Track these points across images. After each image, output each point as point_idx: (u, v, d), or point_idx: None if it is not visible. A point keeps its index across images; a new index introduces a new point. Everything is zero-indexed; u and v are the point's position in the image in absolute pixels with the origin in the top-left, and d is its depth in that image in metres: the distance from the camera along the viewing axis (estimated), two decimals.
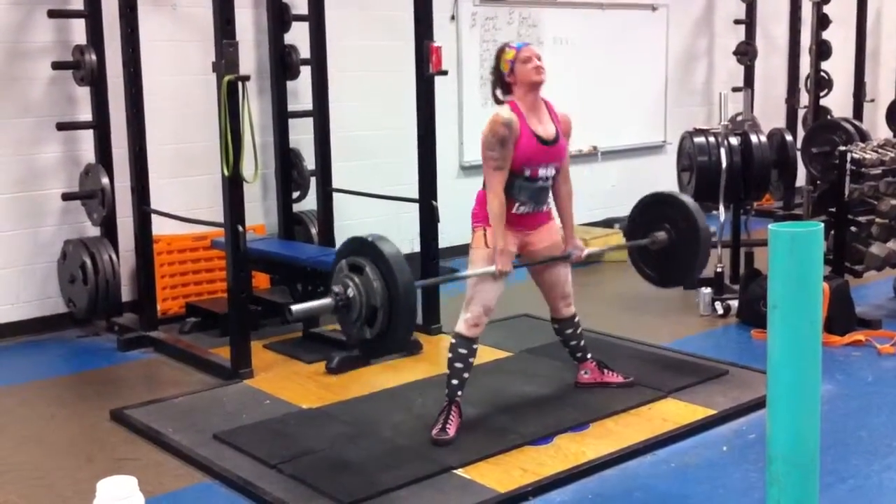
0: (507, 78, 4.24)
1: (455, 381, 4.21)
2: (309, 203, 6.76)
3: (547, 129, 4.27)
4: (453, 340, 4.22)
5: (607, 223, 8.46)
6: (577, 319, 4.62)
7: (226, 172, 4.87)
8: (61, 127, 5.90)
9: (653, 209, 4.95)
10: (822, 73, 9.30)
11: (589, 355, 4.72)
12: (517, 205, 4.24)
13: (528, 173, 4.19)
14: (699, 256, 4.79)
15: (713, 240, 6.40)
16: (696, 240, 4.76)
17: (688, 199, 4.87)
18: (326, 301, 3.77)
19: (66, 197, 5.93)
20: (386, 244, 3.74)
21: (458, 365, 4.20)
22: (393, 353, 3.68)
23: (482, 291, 4.19)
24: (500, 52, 4.27)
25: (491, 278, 4.17)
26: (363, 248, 3.77)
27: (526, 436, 4.16)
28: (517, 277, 4.31)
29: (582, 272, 4.81)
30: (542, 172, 4.24)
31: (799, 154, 7.29)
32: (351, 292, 3.71)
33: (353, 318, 3.76)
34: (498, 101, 4.30)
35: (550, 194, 4.39)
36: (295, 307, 3.74)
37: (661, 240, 4.84)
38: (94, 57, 5.79)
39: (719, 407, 4.49)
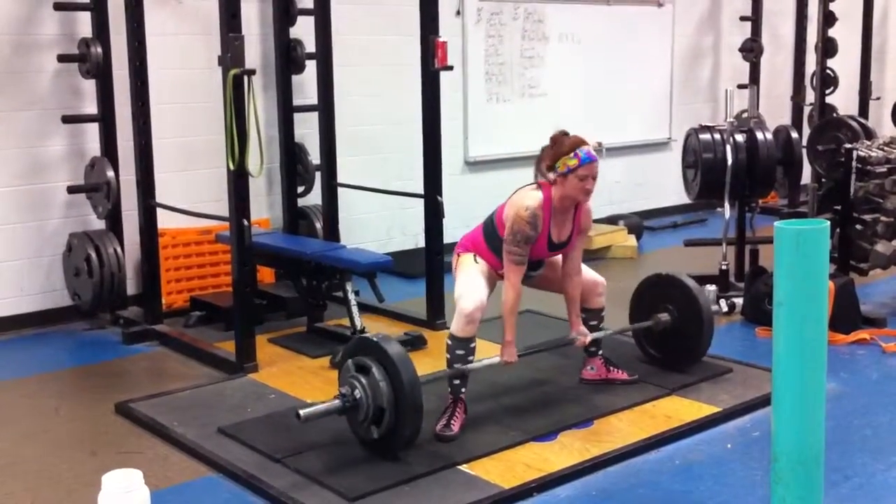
0: (556, 174, 4.16)
1: (457, 381, 4.22)
2: (314, 197, 6.76)
3: (562, 234, 4.30)
4: (448, 342, 4.23)
5: (612, 220, 8.45)
6: (603, 314, 4.67)
7: (231, 166, 4.87)
8: (67, 120, 5.90)
9: (654, 290, 4.98)
10: (828, 71, 9.29)
11: (600, 352, 4.73)
12: None
13: (532, 262, 4.32)
14: (703, 334, 4.83)
15: (721, 242, 6.43)
16: (699, 320, 4.80)
17: (689, 281, 4.89)
18: (335, 403, 3.85)
19: (72, 190, 5.94)
20: (391, 344, 3.85)
21: (458, 365, 4.20)
22: (401, 451, 3.81)
23: (471, 288, 4.20)
24: (567, 149, 4.14)
25: (478, 270, 4.25)
26: (369, 348, 3.88)
27: (530, 432, 4.17)
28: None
29: None
30: (543, 261, 4.42)
31: (804, 151, 7.28)
32: (358, 394, 3.81)
33: (360, 419, 3.85)
34: (542, 174, 4.22)
35: None
36: (303, 411, 3.79)
37: (663, 321, 4.86)
38: (99, 50, 5.79)
39: (724, 404, 4.49)
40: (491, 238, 4.29)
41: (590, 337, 4.56)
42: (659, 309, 4.90)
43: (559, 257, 4.48)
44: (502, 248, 4.20)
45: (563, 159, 4.13)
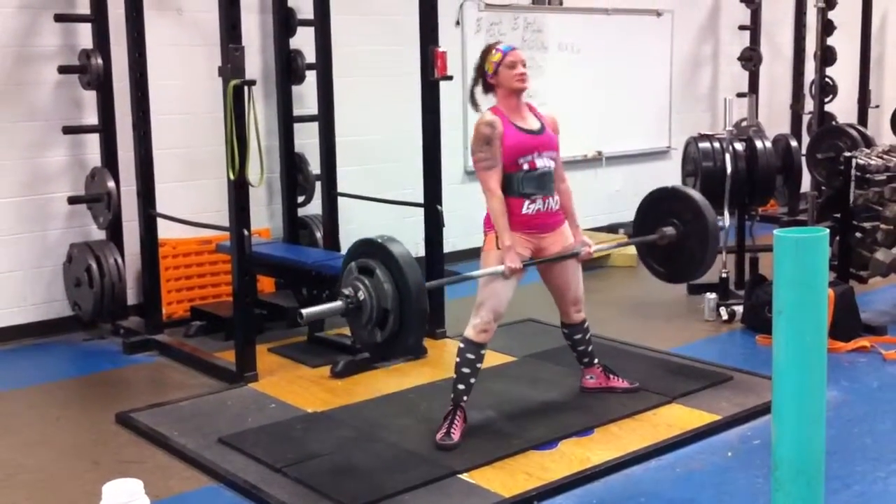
0: (489, 79, 4.27)
1: (461, 386, 4.21)
2: (314, 207, 6.77)
3: (530, 123, 4.30)
4: (461, 345, 4.22)
5: (611, 228, 8.46)
6: (586, 325, 4.62)
7: (231, 176, 4.88)
8: (67, 131, 5.91)
9: (660, 204, 4.94)
10: (827, 79, 9.31)
11: (596, 360, 4.73)
12: (526, 203, 4.21)
13: (526, 166, 4.21)
14: (708, 249, 4.77)
15: (721, 250, 6.43)
16: (705, 232, 4.75)
17: (694, 193, 4.86)
18: (337, 304, 3.77)
19: (73, 200, 5.94)
20: (396, 245, 3.74)
21: (466, 370, 4.20)
22: (404, 355, 3.69)
23: (492, 296, 4.19)
24: (486, 53, 4.29)
25: (502, 281, 4.16)
26: (373, 249, 3.77)
27: (531, 440, 4.17)
28: (525, 280, 4.31)
29: (588, 277, 4.80)
30: (539, 163, 4.25)
31: (804, 160, 7.30)
32: (361, 295, 3.71)
33: (363, 321, 3.75)
34: (474, 102, 4.37)
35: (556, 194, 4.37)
36: (305, 311, 3.74)
37: (669, 235, 4.82)
38: (100, 61, 5.81)
39: (724, 412, 4.49)
40: (502, 185, 4.21)
41: (595, 247, 4.51)
42: (664, 223, 4.85)
43: (567, 280, 4.43)
44: (511, 183, 4.17)
45: (487, 65, 4.24)
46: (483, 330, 4.17)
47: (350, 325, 3.86)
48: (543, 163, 4.25)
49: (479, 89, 4.35)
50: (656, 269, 4.98)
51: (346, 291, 3.75)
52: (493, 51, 4.26)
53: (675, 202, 4.87)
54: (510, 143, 4.18)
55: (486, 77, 4.28)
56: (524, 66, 4.26)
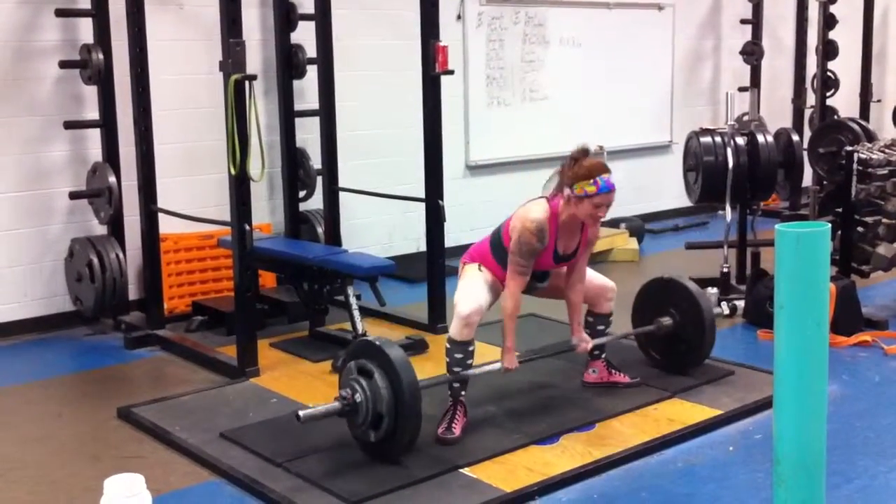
0: (570, 195, 4.09)
1: (457, 384, 4.23)
2: (315, 202, 6.77)
3: (568, 247, 4.29)
4: (447, 345, 4.23)
5: (613, 223, 8.45)
6: (610, 319, 4.67)
7: (232, 171, 4.88)
8: (68, 126, 5.91)
9: (656, 295, 4.98)
10: (829, 73, 9.30)
11: (603, 355, 4.74)
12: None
13: (537, 273, 4.32)
14: (705, 340, 4.83)
15: (723, 245, 6.42)
16: (701, 324, 4.80)
17: (690, 283, 4.89)
18: (333, 405, 3.86)
19: (74, 196, 5.94)
20: (393, 350, 3.85)
21: (457, 368, 4.21)
22: (396, 456, 3.82)
23: (470, 293, 4.21)
24: (585, 172, 4.06)
25: (478, 277, 4.25)
26: (370, 351, 3.87)
27: (532, 435, 4.17)
28: None
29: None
30: (549, 272, 4.42)
31: (805, 154, 7.28)
32: (358, 397, 3.81)
33: (359, 422, 3.86)
34: (560, 186, 4.17)
35: None
36: (303, 412, 3.81)
37: (666, 325, 4.86)
38: (101, 56, 5.80)
39: (725, 407, 4.49)
40: (497, 250, 4.27)
41: (590, 343, 4.55)
42: (661, 313, 4.90)
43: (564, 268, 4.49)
44: (508, 260, 4.19)
45: (582, 183, 4.05)
46: (464, 325, 4.16)
47: (347, 424, 3.97)
48: (551, 273, 4.44)
49: (557, 182, 4.19)
50: (655, 358, 5.02)
51: (343, 393, 3.86)
52: (592, 181, 4.05)
53: (672, 292, 4.91)
54: (539, 260, 4.22)
55: (570, 188, 4.08)
56: (608, 208, 4.14)
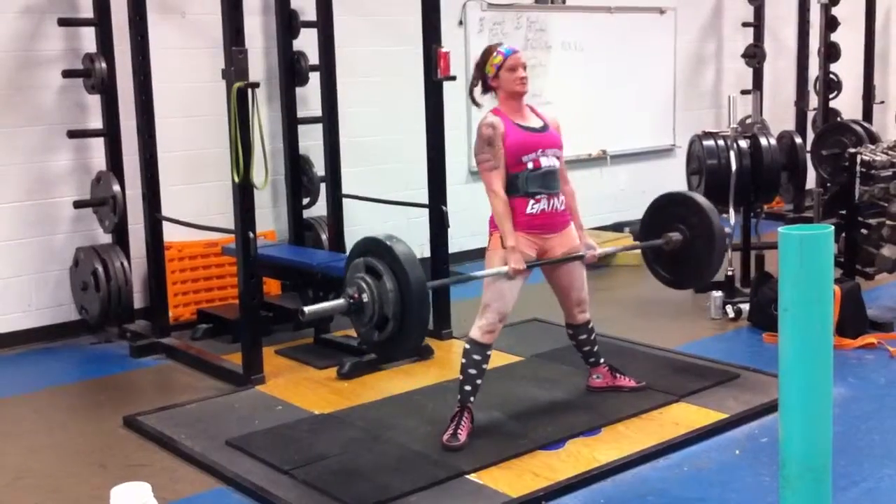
0: (490, 81, 4.28)
1: (468, 387, 4.21)
2: (319, 209, 6.77)
3: (532, 122, 4.30)
4: (467, 346, 4.22)
5: (617, 227, 8.45)
6: (591, 325, 4.61)
7: (236, 179, 4.89)
8: (72, 135, 5.92)
9: (666, 210, 4.92)
10: (832, 76, 9.29)
11: (602, 360, 4.72)
12: (531, 202, 4.20)
13: (530, 164, 4.20)
14: (714, 255, 4.76)
15: (728, 247, 6.42)
16: (711, 238, 4.73)
17: (701, 199, 4.84)
18: (339, 302, 3.79)
19: (78, 204, 5.96)
20: (401, 246, 3.75)
21: (472, 371, 4.20)
22: (401, 358, 3.73)
23: (498, 297, 4.19)
24: (487, 54, 4.28)
25: (506, 281, 4.16)
26: (379, 249, 3.78)
27: (538, 440, 4.17)
28: (531, 280, 4.31)
29: (594, 276, 4.81)
30: (544, 161, 4.23)
31: (809, 156, 7.28)
32: (365, 297, 3.73)
33: (364, 321, 3.79)
34: (474, 101, 4.36)
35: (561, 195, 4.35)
36: (308, 308, 3.77)
37: (675, 240, 4.80)
38: (104, 65, 5.82)
39: (731, 411, 4.48)
40: (507, 184, 4.20)
41: (599, 251, 4.49)
42: (670, 228, 4.82)
43: (571, 281, 4.42)
44: (516, 182, 4.16)
45: (488, 67, 4.23)
46: (489, 331, 4.18)
47: (352, 321, 3.91)
48: (548, 161, 4.24)
49: (478, 89, 4.35)
50: (662, 275, 4.96)
51: (350, 291, 3.77)
52: (495, 53, 4.25)
53: (681, 207, 4.85)
54: (512, 141, 4.17)
55: (486, 79, 4.28)
56: (525, 69, 4.26)
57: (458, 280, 4.16)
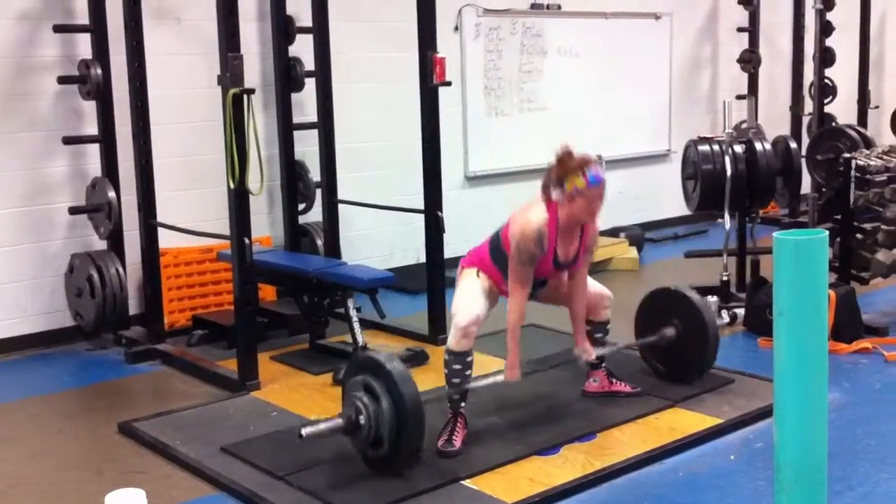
0: (563, 195, 4.06)
1: (455, 396, 4.21)
2: (315, 214, 6.77)
3: (568, 252, 4.26)
4: (446, 356, 4.22)
5: (612, 232, 8.45)
6: (609, 326, 4.66)
7: (232, 185, 4.89)
8: (68, 141, 5.92)
9: (660, 304, 4.98)
10: (826, 81, 9.32)
11: (603, 364, 4.73)
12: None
13: (537, 280, 4.28)
14: (708, 350, 4.83)
15: (722, 253, 6.43)
16: (705, 334, 4.80)
17: (694, 295, 4.90)
18: (336, 422, 3.86)
19: (73, 211, 5.95)
20: (399, 372, 3.81)
21: (455, 380, 4.20)
22: (397, 471, 3.85)
23: (468, 304, 4.19)
24: (575, 168, 4.03)
25: (475, 286, 4.23)
26: (377, 370, 3.84)
27: (533, 446, 4.17)
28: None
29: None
30: (549, 278, 4.39)
31: (804, 161, 7.30)
32: (362, 419, 3.80)
33: (360, 439, 3.87)
34: (547, 196, 4.11)
35: None
36: (305, 430, 3.80)
37: (669, 336, 4.86)
38: (99, 71, 5.82)
39: (726, 416, 4.48)
40: (497, 255, 4.24)
41: (594, 354, 4.54)
42: (664, 323, 4.90)
43: (557, 288, 4.49)
44: (507, 265, 4.18)
45: (571, 179, 4.02)
46: (462, 336, 4.15)
47: (349, 438, 3.98)
48: (553, 277, 4.40)
49: (552, 192, 4.12)
50: (657, 368, 5.02)
51: (348, 411, 3.85)
52: (581, 174, 4.01)
53: (675, 302, 4.91)
54: (539, 269, 4.19)
55: (561, 189, 4.05)
56: (602, 200, 4.10)
57: (447, 395, 4.24)
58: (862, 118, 9.90)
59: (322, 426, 3.86)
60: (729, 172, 6.16)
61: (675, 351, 4.88)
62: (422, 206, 5.76)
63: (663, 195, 9.22)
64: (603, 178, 4.07)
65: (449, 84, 5.63)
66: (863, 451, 4.12)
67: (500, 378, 4.28)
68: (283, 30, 6.48)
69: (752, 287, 6.06)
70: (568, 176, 4.03)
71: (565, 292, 4.48)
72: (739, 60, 9.84)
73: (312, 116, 6.60)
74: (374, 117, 7.29)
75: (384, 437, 3.78)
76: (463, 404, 4.22)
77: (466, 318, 4.14)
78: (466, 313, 4.16)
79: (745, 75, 9.85)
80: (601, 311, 4.61)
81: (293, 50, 6.56)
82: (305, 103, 6.76)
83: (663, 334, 4.87)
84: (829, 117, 9.36)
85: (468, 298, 4.22)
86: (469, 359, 4.20)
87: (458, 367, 4.18)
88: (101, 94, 5.86)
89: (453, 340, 4.17)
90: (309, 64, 6.52)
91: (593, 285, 4.59)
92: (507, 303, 4.20)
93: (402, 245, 7.56)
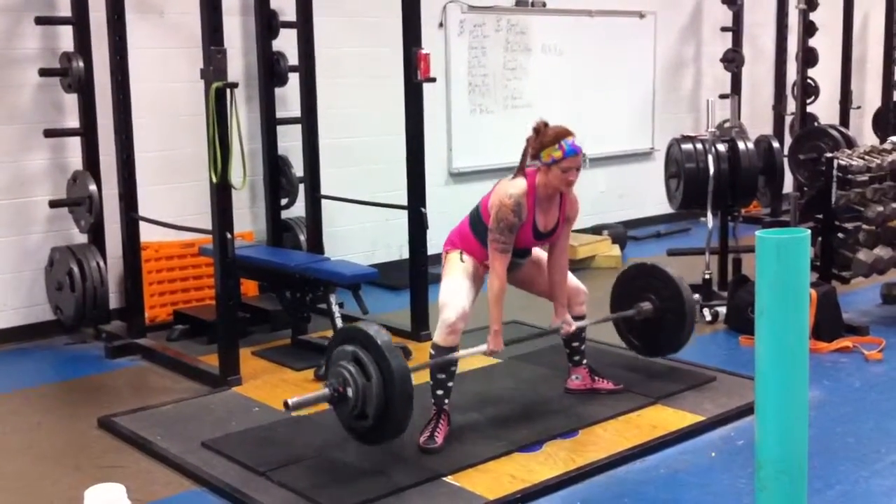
0: (540, 164, 4.17)
1: (440, 392, 4.21)
2: (297, 210, 6.76)
3: (548, 222, 4.29)
4: (431, 351, 4.22)
5: (595, 230, 8.47)
6: (584, 320, 4.65)
7: (214, 179, 4.87)
8: (48, 134, 5.88)
9: (637, 280, 5.00)
10: (809, 80, 9.35)
11: (584, 361, 4.74)
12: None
13: (518, 250, 4.29)
14: (685, 325, 4.85)
15: (704, 251, 6.45)
16: (682, 309, 4.82)
17: (671, 270, 4.91)
18: (323, 394, 3.85)
19: (54, 204, 5.91)
20: (392, 354, 3.77)
21: (441, 375, 4.19)
22: (375, 445, 3.90)
23: (454, 296, 4.19)
24: (550, 139, 4.14)
25: (462, 277, 4.23)
26: (367, 343, 3.80)
27: (515, 442, 4.17)
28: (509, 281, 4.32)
29: None
30: (532, 250, 4.43)
31: (786, 161, 7.32)
32: (350, 392, 3.78)
33: (346, 410, 3.85)
34: (522, 167, 4.25)
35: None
36: (292, 400, 3.78)
37: (645, 310, 4.87)
38: (81, 64, 5.78)
39: (708, 413, 4.50)
40: (477, 227, 4.28)
41: (574, 326, 4.53)
42: (641, 298, 4.89)
43: (543, 256, 4.49)
44: (488, 238, 4.19)
45: (548, 150, 4.13)
46: (449, 332, 4.16)
47: (335, 410, 3.97)
48: (534, 249, 4.45)
49: (528, 160, 4.25)
50: (633, 343, 5.04)
51: (335, 381, 3.83)
52: (557, 145, 4.12)
53: (652, 278, 4.92)
54: (520, 237, 4.21)
55: (538, 157, 4.17)
56: (578, 171, 4.18)
57: (439, 362, 4.23)
58: (844, 118, 9.95)
59: (309, 396, 3.84)
60: (712, 171, 6.17)
61: (652, 326, 4.89)
62: (405, 203, 5.75)
63: (646, 193, 9.25)
64: (578, 148, 4.16)
65: (433, 80, 5.62)
66: (843, 450, 4.14)
67: (482, 347, 4.25)
68: (267, 24, 6.46)
69: (734, 285, 6.08)
70: (545, 146, 4.14)
71: (543, 276, 4.50)
72: (723, 60, 9.86)
73: (296, 111, 6.58)
74: (357, 113, 7.28)
75: (369, 415, 3.75)
76: (447, 401, 4.22)
77: (454, 314, 4.14)
78: (454, 308, 4.16)
79: (729, 74, 9.88)
80: (576, 306, 4.62)
81: (277, 44, 6.53)
82: (289, 98, 6.74)
83: (640, 308, 4.88)
84: (811, 117, 9.40)
85: (455, 289, 4.21)
86: (455, 355, 4.20)
87: (443, 362, 4.17)
88: (83, 87, 5.82)
89: (440, 336, 4.17)
90: (293, 59, 6.50)
91: (571, 279, 4.60)
92: (489, 275, 4.21)
93: (386, 241, 7.55)
